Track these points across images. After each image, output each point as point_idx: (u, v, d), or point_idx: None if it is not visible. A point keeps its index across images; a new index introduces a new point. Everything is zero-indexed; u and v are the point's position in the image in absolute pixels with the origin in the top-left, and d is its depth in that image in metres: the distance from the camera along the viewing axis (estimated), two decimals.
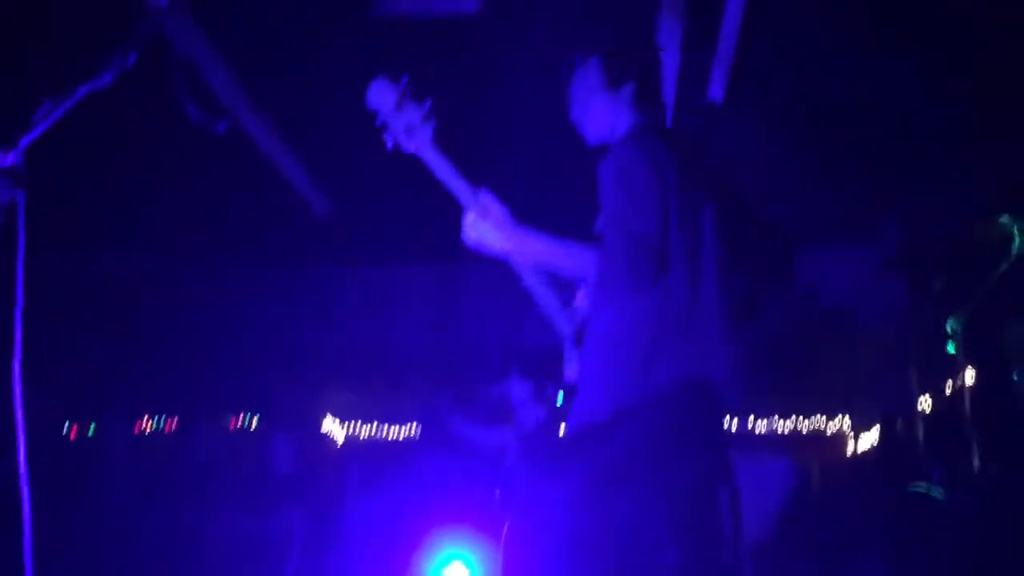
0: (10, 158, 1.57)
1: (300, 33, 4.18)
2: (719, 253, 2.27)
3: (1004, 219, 3.76)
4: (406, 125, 2.31)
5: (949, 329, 4.17)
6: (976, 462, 4.25)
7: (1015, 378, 4.34)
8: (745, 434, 8.44)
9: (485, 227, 2.31)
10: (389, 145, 2.36)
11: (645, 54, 2.53)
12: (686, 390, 2.16)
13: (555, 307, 2.45)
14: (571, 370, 2.41)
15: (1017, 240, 3.73)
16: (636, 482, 2.14)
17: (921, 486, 4.13)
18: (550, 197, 2.69)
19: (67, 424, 7.12)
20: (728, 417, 2.26)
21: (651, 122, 2.44)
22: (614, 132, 2.43)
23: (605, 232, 2.19)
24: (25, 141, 1.59)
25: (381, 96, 2.31)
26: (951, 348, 4.10)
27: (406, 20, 4.06)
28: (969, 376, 4.50)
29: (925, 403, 6.02)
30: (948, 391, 5.37)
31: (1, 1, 3.54)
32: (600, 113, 2.46)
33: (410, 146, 2.34)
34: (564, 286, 2.44)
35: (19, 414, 1.64)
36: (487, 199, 2.36)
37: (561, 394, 2.41)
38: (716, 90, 4.44)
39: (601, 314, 2.23)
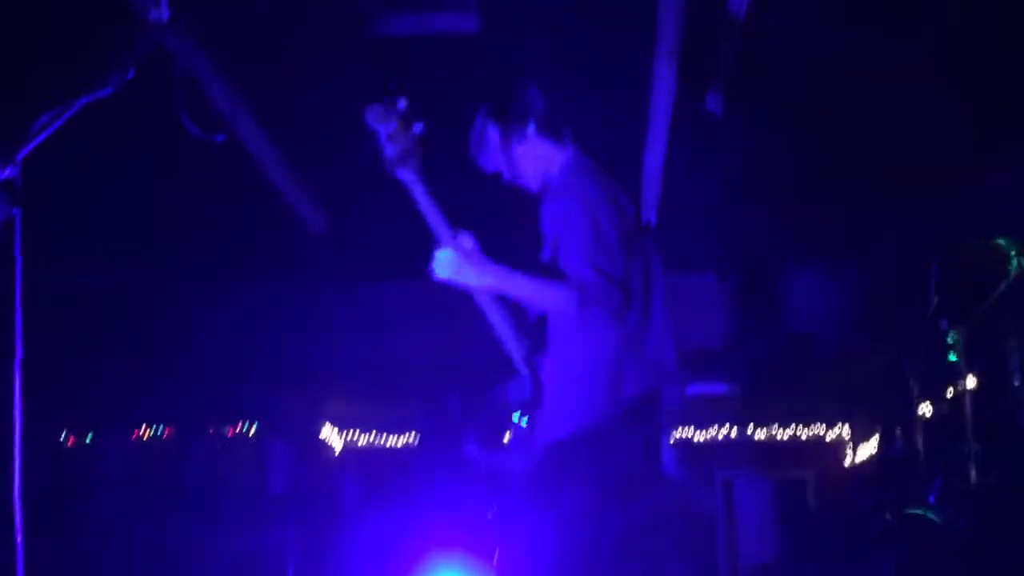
0: (7, 171, 1.57)
1: (300, 50, 4.19)
2: (661, 276, 2.45)
3: (1001, 241, 3.77)
4: (400, 151, 2.31)
5: (950, 340, 4.18)
6: (974, 475, 4.24)
7: (1015, 385, 4.33)
8: (745, 443, 8.45)
9: (461, 263, 2.35)
10: (387, 167, 2.35)
11: (528, 91, 2.58)
12: (651, 405, 2.32)
13: (510, 335, 2.52)
14: (521, 391, 2.48)
15: (1014, 262, 3.74)
16: (621, 500, 2.27)
17: (919, 509, 4.12)
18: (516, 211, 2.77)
19: (64, 433, 7.11)
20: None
21: (581, 155, 2.54)
22: (549, 168, 2.51)
23: (572, 267, 2.26)
24: (22, 154, 1.60)
25: (380, 119, 2.31)
26: (952, 357, 4.11)
27: (406, 38, 4.08)
28: (970, 387, 4.50)
29: (925, 412, 6.00)
30: (948, 402, 5.36)
31: (2, 13, 3.56)
32: (525, 161, 2.54)
33: (401, 172, 2.35)
34: (518, 312, 2.51)
35: (17, 423, 1.65)
36: (465, 236, 2.44)
37: (518, 415, 2.47)
38: (714, 101, 4.46)
39: (572, 343, 2.35)
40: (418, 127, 2.32)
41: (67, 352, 5.91)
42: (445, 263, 2.35)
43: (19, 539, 1.63)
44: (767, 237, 6.14)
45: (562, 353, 2.39)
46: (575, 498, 2.27)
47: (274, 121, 4.78)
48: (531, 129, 2.51)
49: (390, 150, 2.30)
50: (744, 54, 4.07)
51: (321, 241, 6.12)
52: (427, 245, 2.48)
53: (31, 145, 1.60)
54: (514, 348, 2.53)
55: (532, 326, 2.50)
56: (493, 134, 2.55)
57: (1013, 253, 3.71)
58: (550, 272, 2.32)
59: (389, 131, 2.27)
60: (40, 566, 1.81)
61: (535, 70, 4.14)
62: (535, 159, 2.53)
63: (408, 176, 2.34)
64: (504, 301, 2.47)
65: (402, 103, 2.29)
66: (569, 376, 2.36)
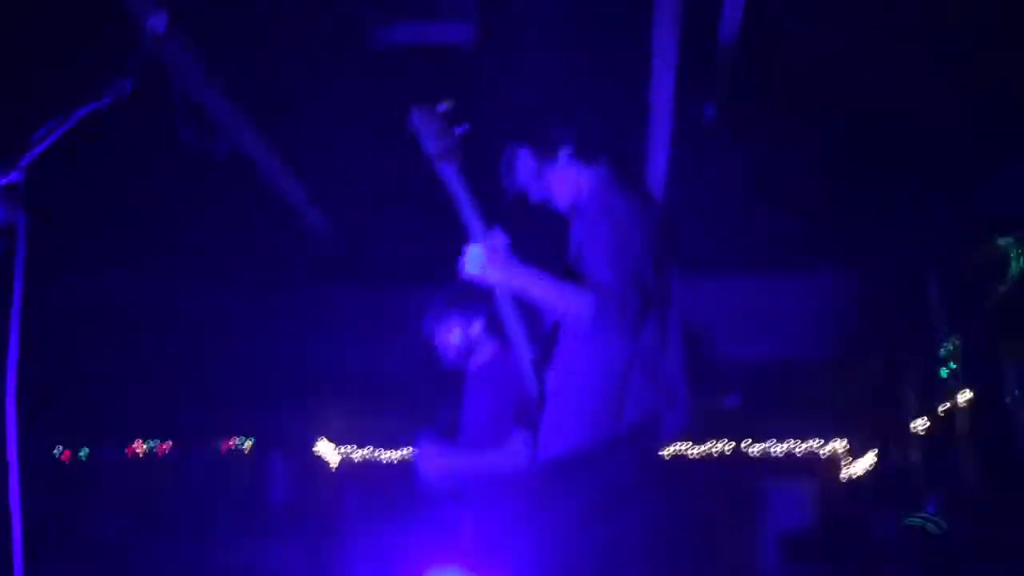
0: (10, 178, 1.57)
1: (299, 58, 4.20)
2: (678, 294, 2.43)
3: (1001, 241, 3.78)
4: (442, 148, 2.40)
5: (945, 352, 4.19)
6: (972, 485, 4.24)
7: (1009, 400, 4.34)
8: (743, 458, 8.45)
9: (491, 259, 2.34)
10: (429, 162, 2.43)
11: (566, 116, 2.64)
12: (652, 428, 2.30)
13: (522, 335, 2.54)
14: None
15: (1014, 262, 3.75)
16: (612, 513, 2.24)
17: (918, 519, 4.12)
18: (537, 225, 2.79)
19: (60, 447, 7.09)
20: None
21: (614, 170, 2.56)
22: (579, 192, 2.54)
23: (595, 270, 2.27)
24: (25, 161, 1.60)
25: (422, 121, 2.41)
26: (949, 370, 4.12)
27: (402, 48, 4.10)
28: (966, 398, 4.49)
29: (920, 426, 6.01)
30: (943, 414, 5.37)
31: (3, 23, 3.56)
32: (557, 184, 2.58)
33: (442, 166, 2.42)
34: (532, 314, 2.52)
35: (12, 436, 1.63)
36: (497, 234, 2.43)
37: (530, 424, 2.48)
38: (711, 107, 4.47)
39: (582, 352, 2.34)
40: (460, 128, 2.43)
41: (62, 365, 5.89)
42: (476, 258, 2.34)
43: (17, 552, 1.62)
44: (766, 245, 6.14)
45: (570, 362, 2.37)
46: (563, 517, 2.26)
47: (274, 128, 4.79)
48: (563, 154, 2.56)
49: (432, 147, 2.40)
50: (741, 59, 4.09)
51: (321, 249, 6.12)
52: (424, 253, 2.49)
53: (33, 153, 1.60)
54: (524, 353, 2.54)
55: (545, 335, 2.50)
56: (525, 158, 2.60)
57: (1014, 254, 3.73)
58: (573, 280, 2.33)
59: (432, 130, 2.39)
60: None
61: (533, 81, 4.18)
62: (566, 182, 2.56)
63: (448, 171, 2.41)
64: (521, 307, 2.47)
65: (443, 106, 2.41)
66: (574, 387, 2.35)
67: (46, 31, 3.65)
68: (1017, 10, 3.79)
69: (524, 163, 2.60)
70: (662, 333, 2.34)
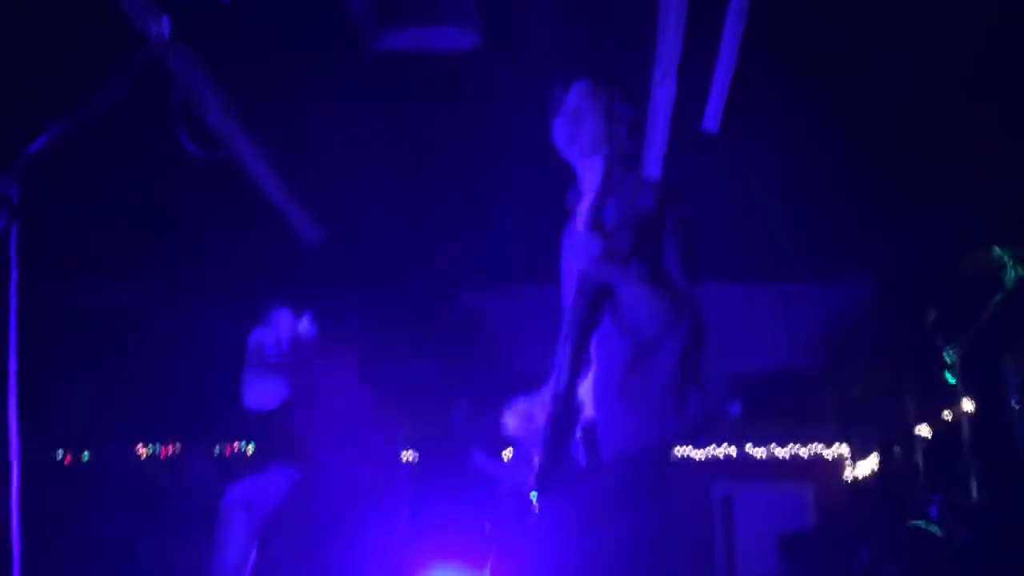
0: (5, 185, 1.57)
1: (300, 65, 4.21)
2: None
3: (996, 250, 3.78)
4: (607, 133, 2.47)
5: (947, 359, 4.18)
6: (974, 491, 4.24)
7: (1013, 406, 4.33)
8: (744, 461, 8.43)
9: (601, 254, 2.30)
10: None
11: (637, 107, 2.66)
12: (706, 428, 2.33)
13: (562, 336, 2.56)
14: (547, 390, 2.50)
15: (1010, 271, 3.75)
16: (642, 507, 2.25)
17: (920, 521, 4.12)
18: (546, 228, 2.77)
19: (61, 451, 7.09)
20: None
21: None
22: (593, 154, 2.53)
23: (673, 276, 2.31)
24: (20, 168, 1.60)
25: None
26: (949, 378, 4.11)
27: (404, 54, 4.10)
28: (967, 404, 4.49)
29: (923, 431, 6.01)
30: (946, 419, 5.37)
31: (2, 29, 3.57)
32: (592, 133, 2.55)
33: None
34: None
35: (14, 441, 1.64)
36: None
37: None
38: (712, 120, 4.47)
39: (642, 350, 2.33)
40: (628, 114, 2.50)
41: (63, 368, 5.90)
42: (590, 247, 2.30)
43: (16, 559, 1.63)
44: (765, 252, 6.14)
45: (633, 360, 2.35)
46: (621, 508, 2.26)
47: (272, 136, 4.80)
48: (624, 132, 2.53)
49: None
50: (741, 70, 4.09)
51: (317, 254, 6.14)
52: (423, 258, 2.49)
53: (29, 160, 1.60)
54: (562, 351, 2.52)
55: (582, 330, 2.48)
56: (601, 93, 2.56)
57: (1009, 264, 3.73)
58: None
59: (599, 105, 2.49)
60: None
61: (533, 86, 4.18)
62: (596, 140, 2.53)
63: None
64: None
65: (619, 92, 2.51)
66: (637, 386, 2.33)
67: (45, 32, 3.66)
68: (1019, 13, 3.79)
69: (590, 95, 2.56)
70: (698, 322, 2.37)
